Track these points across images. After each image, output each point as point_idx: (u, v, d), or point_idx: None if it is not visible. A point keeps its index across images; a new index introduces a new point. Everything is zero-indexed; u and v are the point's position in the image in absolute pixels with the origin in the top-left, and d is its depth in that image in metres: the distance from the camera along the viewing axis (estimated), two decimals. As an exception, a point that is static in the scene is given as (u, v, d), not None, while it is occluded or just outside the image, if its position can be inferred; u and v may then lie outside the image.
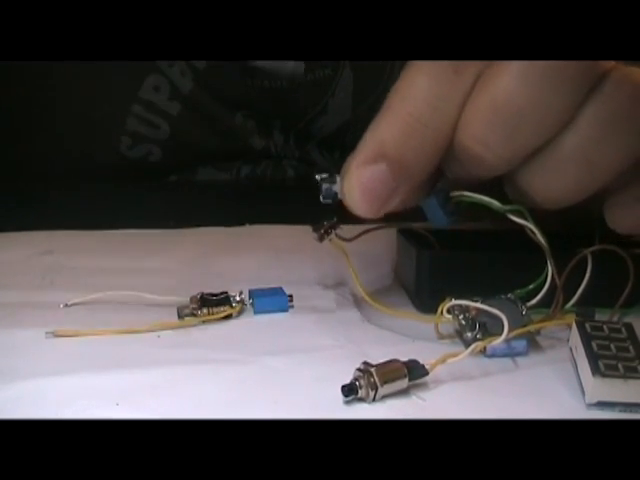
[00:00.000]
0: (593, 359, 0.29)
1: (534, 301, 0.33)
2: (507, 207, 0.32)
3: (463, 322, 0.32)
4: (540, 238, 0.32)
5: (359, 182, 0.31)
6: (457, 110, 0.31)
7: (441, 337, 0.33)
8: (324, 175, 0.33)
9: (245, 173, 0.56)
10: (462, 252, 0.36)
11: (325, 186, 0.32)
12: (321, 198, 0.33)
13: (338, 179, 0.32)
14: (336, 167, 0.32)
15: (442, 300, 0.33)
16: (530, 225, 0.32)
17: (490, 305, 0.32)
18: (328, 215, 0.34)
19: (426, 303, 0.35)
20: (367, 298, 0.34)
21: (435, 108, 0.30)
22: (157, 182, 0.54)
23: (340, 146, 0.55)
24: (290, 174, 0.56)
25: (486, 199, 0.33)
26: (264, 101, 0.53)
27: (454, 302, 0.33)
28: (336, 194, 0.32)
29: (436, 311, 0.33)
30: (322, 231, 0.34)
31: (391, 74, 0.52)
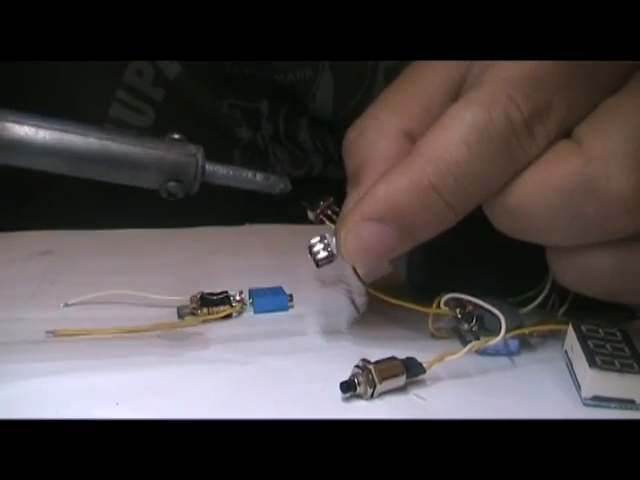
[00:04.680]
0: (590, 355, 0.29)
1: (529, 307, 0.33)
2: None
3: (459, 315, 0.32)
4: None
5: (358, 235, 0.30)
6: (487, 193, 0.29)
7: (436, 331, 0.33)
8: (315, 239, 0.32)
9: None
10: (457, 240, 0.35)
11: (321, 260, 0.32)
12: (316, 264, 0.32)
13: (332, 241, 0.31)
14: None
15: (436, 284, 0.33)
16: None
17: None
18: (324, 195, 0.34)
19: (420, 288, 0.35)
20: (367, 288, 0.34)
21: (463, 188, 0.29)
22: None
23: (330, 128, 0.54)
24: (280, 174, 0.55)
25: None
26: (251, 88, 0.52)
27: (451, 295, 0.33)
28: (332, 254, 0.32)
29: (430, 295, 0.33)
30: (318, 211, 0.34)
31: (373, 79, 0.52)
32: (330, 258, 0.32)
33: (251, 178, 0.31)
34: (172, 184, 0.29)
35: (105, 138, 0.28)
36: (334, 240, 0.31)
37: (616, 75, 0.29)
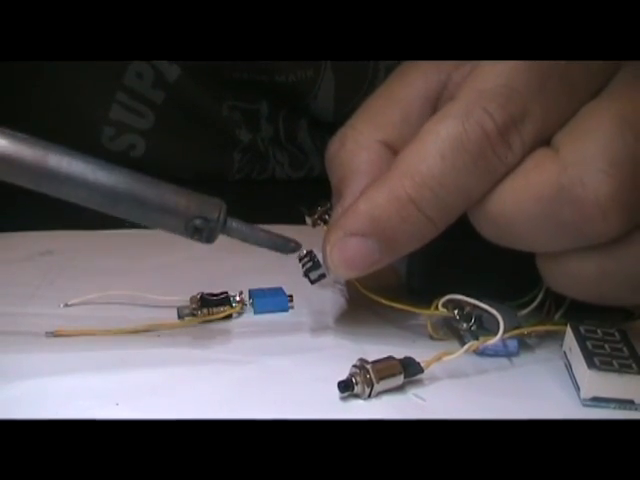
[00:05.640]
0: (588, 356, 0.29)
1: (527, 310, 0.33)
2: None
3: (458, 316, 0.32)
4: None
5: (342, 250, 0.30)
6: (467, 203, 0.29)
7: (435, 332, 0.33)
8: (309, 265, 0.33)
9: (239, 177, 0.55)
10: (456, 242, 0.35)
11: (313, 276, 0.33)
12: (310, 283, 0.33)
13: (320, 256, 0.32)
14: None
15: (435, 286, 0.33)
16: None
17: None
18: (322, 200, 0.34)
19: (418, 290, 0.35)
20: (364, 291, 0.35)
21: (440, 199, 0.29)
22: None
23: (331, 129, 0.54)
24: (280, 176, 0.55)
25: None
26: (250, 90, 0.52)
27: (449, 297, 0.33)
28: (324, 274, 0.33)
29: (428, 297, 0.33)
30: (316, 216, 0.34)
31: (373, 80, 0.52)
32: (321, 271, 0.33)
33: (265, 238, 0.32)
34: (198, 221, 0.30)
35: (136, 175, 0.30)
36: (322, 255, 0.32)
37: (594, 80, 0.29)
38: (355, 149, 0.32)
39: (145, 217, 0.30)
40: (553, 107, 0.29)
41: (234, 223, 0.31)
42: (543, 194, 0.28)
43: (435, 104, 0.31)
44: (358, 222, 0.30)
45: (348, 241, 0.30)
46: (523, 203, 0.28)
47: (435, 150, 0.29)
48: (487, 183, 0.29)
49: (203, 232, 0.30)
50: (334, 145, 0.33)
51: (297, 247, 0.32)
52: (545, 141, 0.29)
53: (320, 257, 0.32)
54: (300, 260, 0.33)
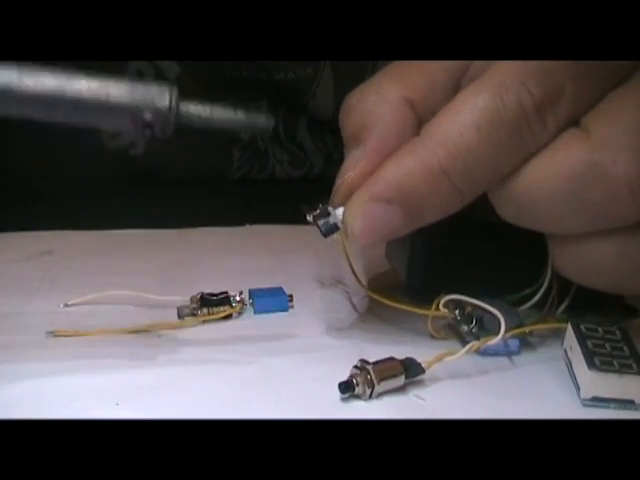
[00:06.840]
0: (589, 355, 0.29)
1: (528, 304, 0.33)
2: None
3: (459, 317, 0.32)
4: None
5: (365, 215, 0.30)
6: (495, 179, 0.29)
7: (436, 332, 0.33)
8: (315, 212, 0.31)
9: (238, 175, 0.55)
10: (457, 241, 0.35)
11: (321, 222, 0.31)
12: (323, 236, 0.32)
13: (331, 210, 0.31)
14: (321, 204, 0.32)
15: (435, 286, 0.33)
16: None
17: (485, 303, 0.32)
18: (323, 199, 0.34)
19: (419, 289, 0.35)
20: (366, 290, 0.35)
21: (472, 172, 0.29)
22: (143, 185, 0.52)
23: (330, 127, 0.54)
24: (280, 175, 0.55)
25: None
26: (250, 89, 0.52)
27: (450, 297, 0.33)
28: (336, 225, 0.31)
29: (429, 296, 0.33)
30: (316, 213, 0.34)
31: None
32: (333, 220, 0.31)
33: (230, 115, 0.29)
34: (147, 114, 0.27)
35: (69, 74, 0.27)
36: (335, 211, 0.31)
37: (623, 66, 0.29)
38: (378, 101, 0.31)
39: (86, 118, 0.28)
40: (586, 89, 0.29)
41: (191, 106, 0.28)
42: (571, 172, 0.28)
43: (458, 81, 0.31)
44: (385, 188, 0.29)
45: (372, 206, 0.29)
46: (550, 181, 0.28)
47: (471, 121, 0.28)
48: (517, 160, 0.29)
49: (155, 125, 0.28)
50: (353, 97, 0.32)
51: (269, 121, 0.30)
52: (574, 122, 0.29)
53: (331, 210, 0.31)
54: (313, 218, 0.32)
